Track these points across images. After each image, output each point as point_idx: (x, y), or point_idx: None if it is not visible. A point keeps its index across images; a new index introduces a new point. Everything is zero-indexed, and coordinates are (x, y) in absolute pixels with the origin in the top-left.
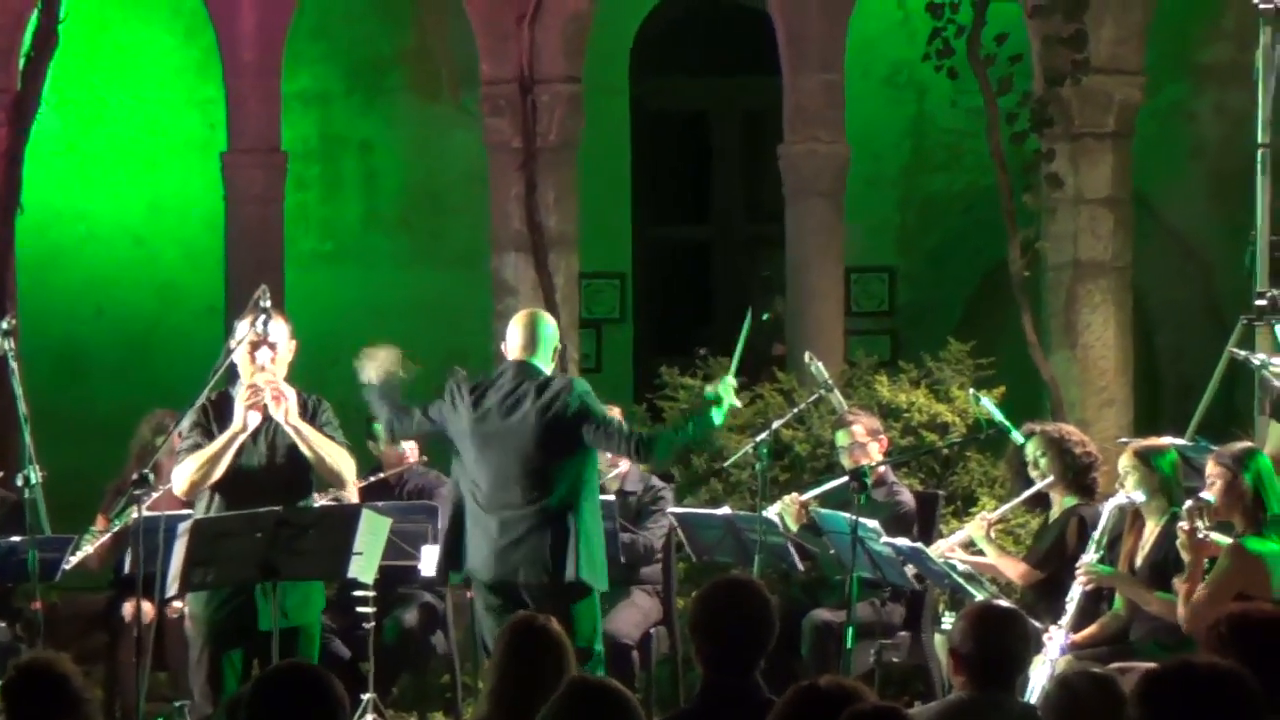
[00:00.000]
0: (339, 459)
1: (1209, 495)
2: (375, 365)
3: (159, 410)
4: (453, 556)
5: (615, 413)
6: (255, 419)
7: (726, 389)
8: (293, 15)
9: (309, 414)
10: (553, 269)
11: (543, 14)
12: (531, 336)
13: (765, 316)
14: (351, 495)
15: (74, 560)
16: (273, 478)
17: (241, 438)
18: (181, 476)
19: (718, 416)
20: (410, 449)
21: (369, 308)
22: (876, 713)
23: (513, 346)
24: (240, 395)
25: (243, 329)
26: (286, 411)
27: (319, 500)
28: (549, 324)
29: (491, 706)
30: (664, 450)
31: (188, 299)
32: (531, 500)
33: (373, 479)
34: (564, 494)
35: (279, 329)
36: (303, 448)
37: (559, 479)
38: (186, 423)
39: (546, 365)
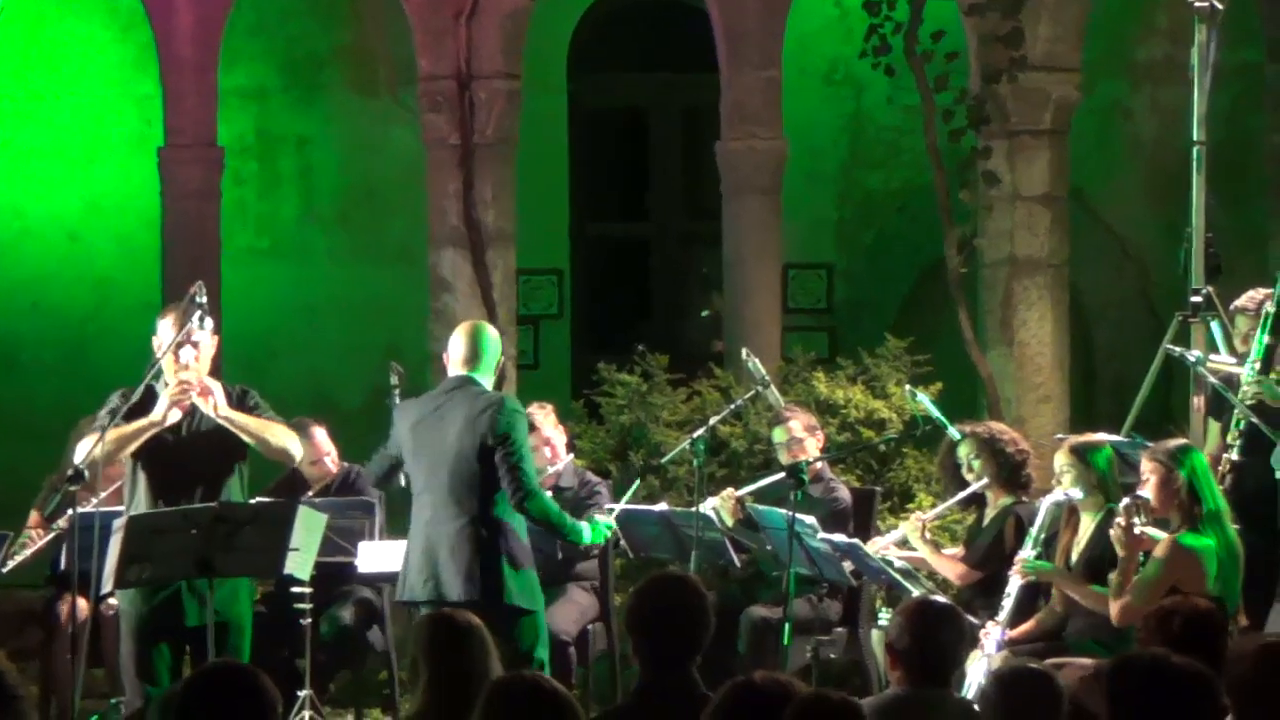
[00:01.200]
0: (281, 435)
1: (1145, 493)
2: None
3: (100, 411)
4: (403, 580)
5: (547, 419)
6: (176, 416)
7: (600, 535)
8: (230, 11)
9: (236, 402)
10: (490, 265)
11: (480, 10)
12: (474, 350)
13: (704, 313)
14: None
15: (10, 565)
16: (199, 467)
17: (156, 429)
18: (85, 447)
19: (586, 536)
20: (333, 461)
21: (306, 304)
22: (836, 705)
23: (455, 359)
24: (167, 391)
25: (165, 328)
26: (215, 405)
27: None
28: (492, 336)
29: (424, 702)
30: (538, 515)
31: (124, 295)
32: (459, 516)
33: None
34: (493, 509)
35: (205, 326)
36: (240, 435)
37: (488, 494)
38: (105, 408)
39: (487, 379)
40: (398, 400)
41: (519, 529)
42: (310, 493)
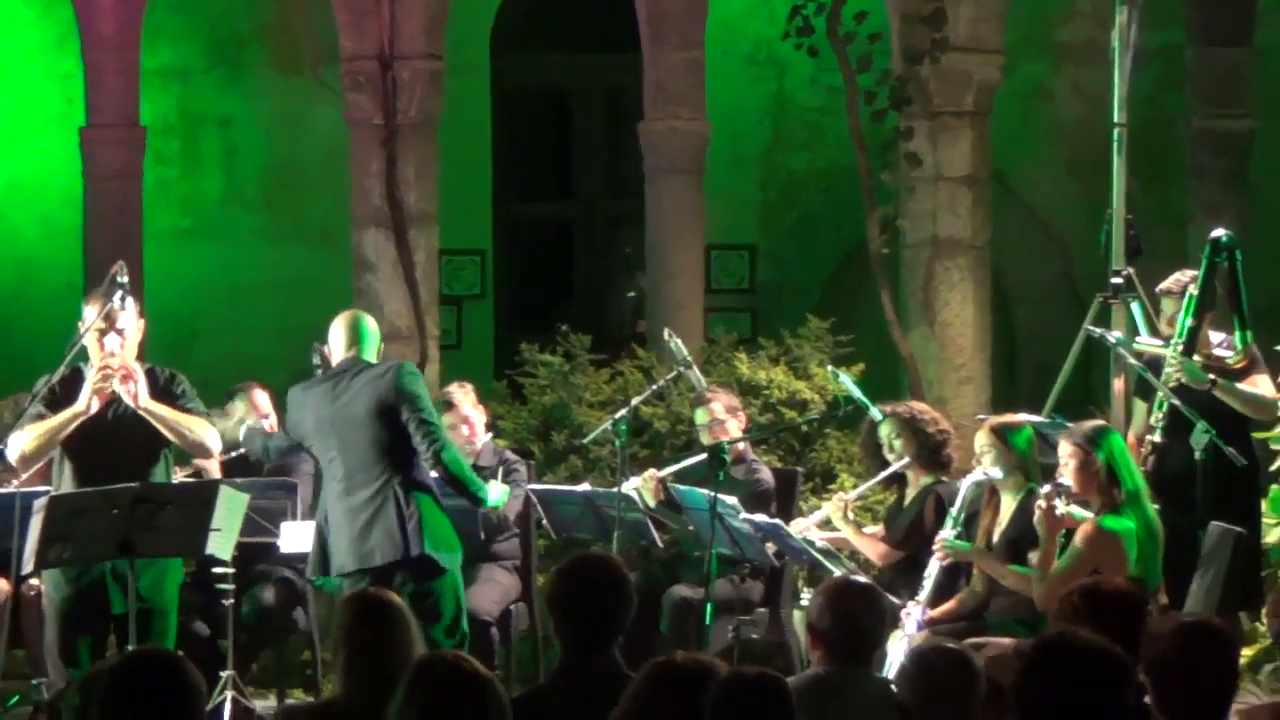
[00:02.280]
0: (199, 430)
1: (1064, 477)
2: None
3: (20, 394)
4: (322, 560)
5: (466, 397)
6: (98, 404)
7: (501, 500)
8: None
9: (162, 388)
10: (413, 245)
11: None
12: (355, 335)
13: (629, 294)
14: (214, 469)
15: None
16: (125, 450)
17: (81, 419)
18: (17, 446)
19: (490, 497)
20: (271, 426)
21: (229, 284)
22: (759, 679)
23: (338, 346)
24: (90, 379)
25: (90, 312)
26: (136, 395)
27: (178, 475)
28: (370, 323)
29: (347, 683)
30: (453, 469)
31: (46, 275)
32: (374, 479)
33: (234, 454)
34: (404, 472)
35: (129, 313)
36: (159, 428)
37: (396, 456)
38: (34, 400)
39: (372, 360)
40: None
41: (433, 494)
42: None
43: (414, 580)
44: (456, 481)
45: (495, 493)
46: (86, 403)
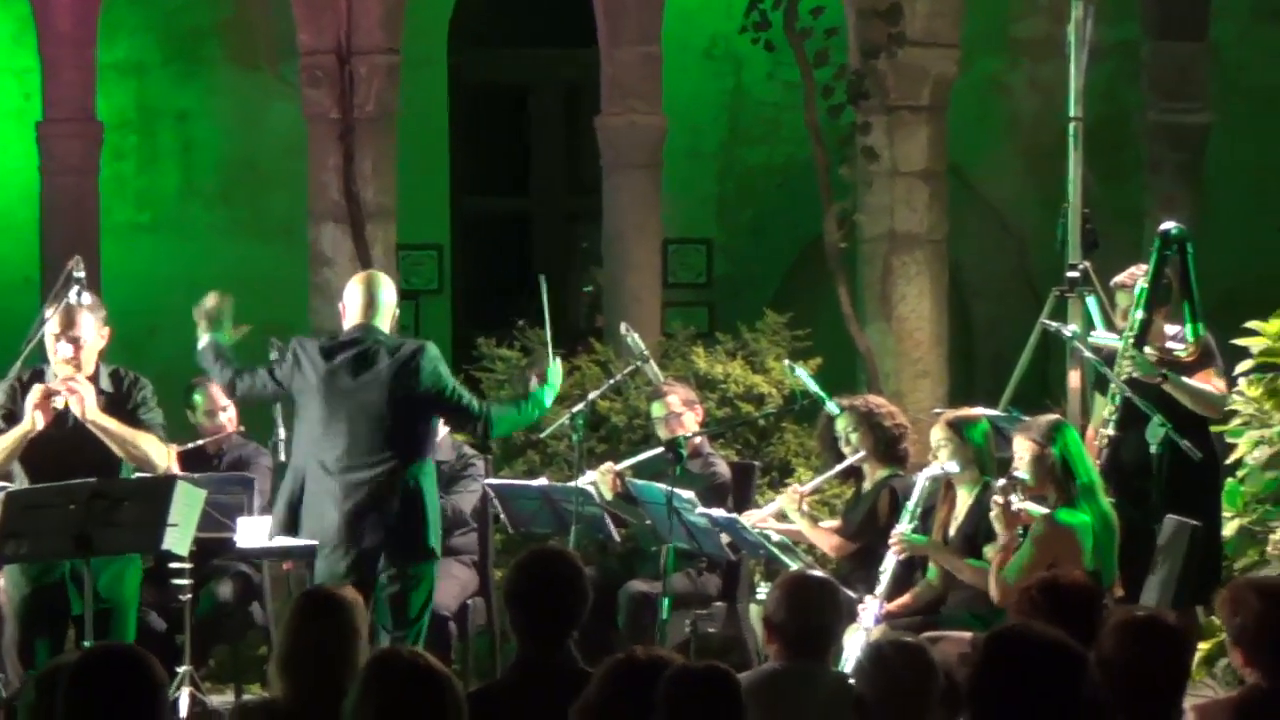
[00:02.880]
0: (147, 447)
1: (1020, 471)
2: (204, 316)
3: None
4: (291, 524)
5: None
6: (43, 421)
7: (555, 371)
8: None
9: (124, 392)
10: (370, 240)
11: None
12: (371, 299)
13: (587, 289)
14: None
15: None
16: (82, 455)
17: (29, 436)
18: None
19: (548, 397)
20: (229, 419)
21: (186, 279)
22: (706, 673)
23: (353, 310)
24: (31, 396)
25: (49, 314)
26: (84, 409)
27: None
28: (387, 287)
29: (286, 681)
30: (503, 430)
31: (2, 270)
32: (380, 463)
33: (190, 445)
34: (412, 458)
35: (88, 319)
36: (107, 442)
37: (407, 442)
38: None
39: (386, 327)
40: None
41: (431, 478)
42: (201, 441)
43: (400, 566)
44: (522, 426)
45: (549, 396)
46: (31, 422)
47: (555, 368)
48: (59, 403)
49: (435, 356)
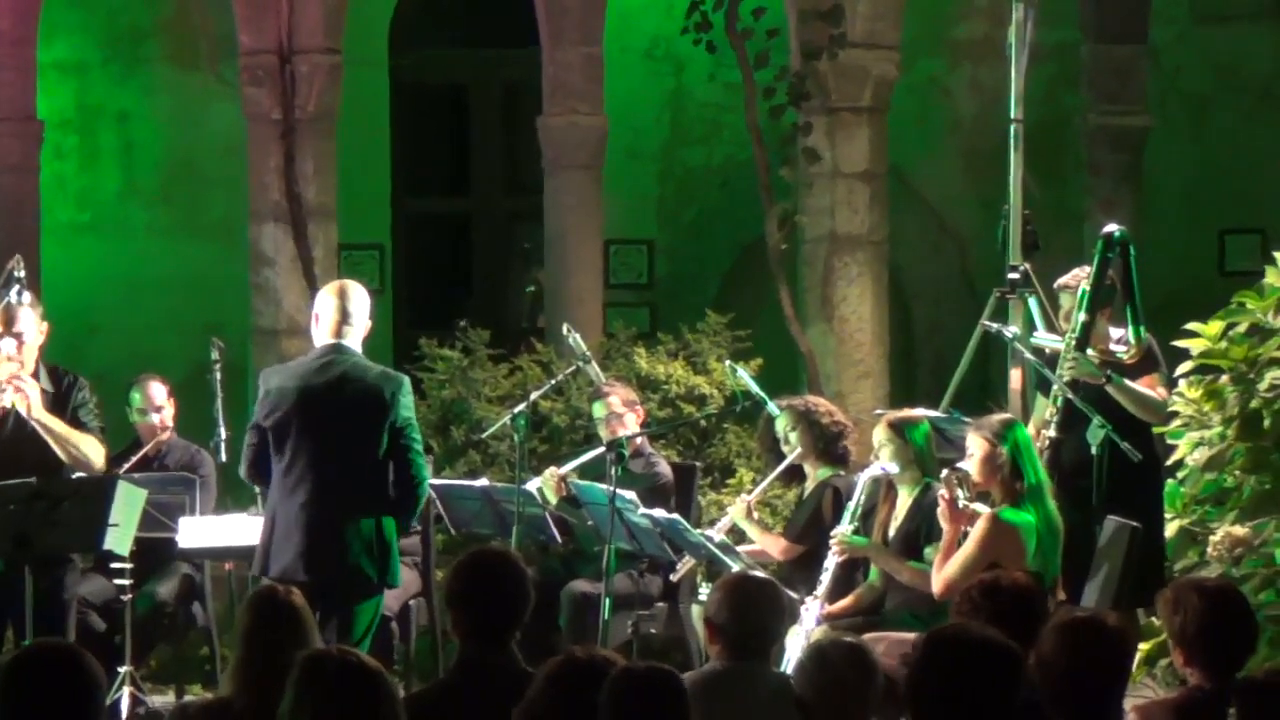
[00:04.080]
0: (86, 448)
1: (967, 466)
2: None
3: None
4: (266, 557)
5: None
6: None
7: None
8: None
9: (63, 392)
10: (311, 240)
11: None
12: (345, 315)
13: (529, 289)
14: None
15: None
16: (23, 453)
17: None
18: None
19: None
20: (163, 419)
21: (127, 279)
22: (649, 674)
23: (325, 325)
24: None
25: None
26: (29, 407)
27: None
28: (361, 300)
29: (237, 683)
30: (419, 498)
31: None
32: (350, 497)
33: (134, 459)
34: (380, 490)
35: (28, 315)
36: (48, 441)
37: (378, 475)
38: None
39: (358, 346)
40: (219, 375)
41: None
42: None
43: (352, 598)
44: (411, 499)
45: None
46: None
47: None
48: (5, 400)
49: (410, 393)
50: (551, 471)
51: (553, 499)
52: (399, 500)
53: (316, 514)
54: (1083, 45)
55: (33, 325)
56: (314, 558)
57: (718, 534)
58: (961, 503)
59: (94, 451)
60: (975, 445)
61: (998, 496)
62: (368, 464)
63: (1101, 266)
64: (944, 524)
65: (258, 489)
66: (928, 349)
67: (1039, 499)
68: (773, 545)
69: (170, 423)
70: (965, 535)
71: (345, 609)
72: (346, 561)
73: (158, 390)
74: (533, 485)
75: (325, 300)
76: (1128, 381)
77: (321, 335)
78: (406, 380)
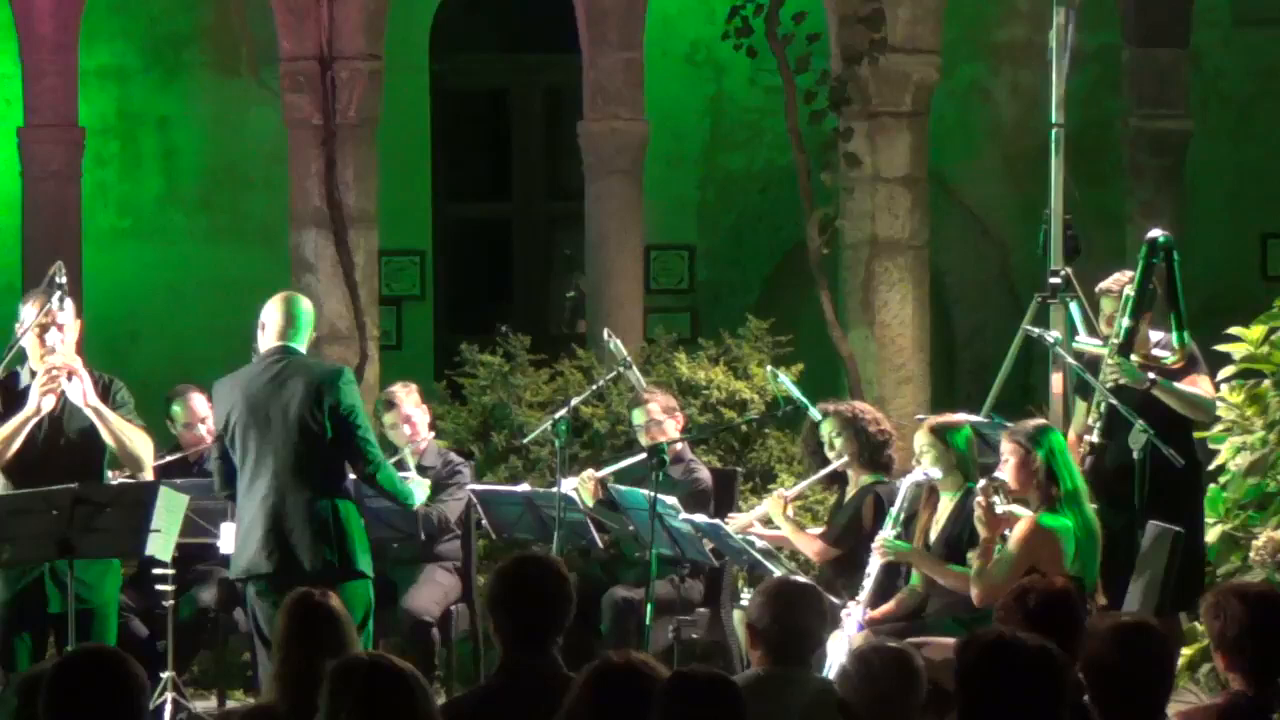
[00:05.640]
0: (138, 442)
1: (1003, 474)
2: None
3: None
4: (237, 558)
5: (408, 397)
6: (50, 403)
7: (425, 494)
8: None
9: (103, 394)
10: (352, 246)
11: None
12: (290, 319)
13: (569, 295)
14: (149, 476)
15: None
16: (62, 459)
17: (34, 421)
18: None
19: (417, 498)
20: (208, 429)
21: (167, 285)
22: (706, 678)
23: (271, 329)
24: (38, 380)
25: (28, 311)
26: (85, 393)
27: (116, 477)
28: (306, 307)
29: (280, 689)
30: (386, 486)
31: None
32: (303, 483)
33: (170, 458)
34: (334, 479)
35: (68, 308)
36: (102, 430)
37: (328, 463)
38: None
39: (303, 348)
40: None
41: (351, 502)
42: (182, 453)
43: (331, 587)
44: (387, 494)
45: (419, 493)
46: (37, 404)
47: (425, 492)
48: (60, 383)
49: (351, 381)
50: (589, 473)
51: (588, 500)
52: (383, 495)
53: (270, 507)
54: (1124, 49)
55: (70, 320)
56: (272, 549)
57: (757, 526)
58: (999, 508)
59: (144, 445)
60: (1009, 451)
61: (1035, 502)
62: (315, 453)
63: (1146, 272)
64: (981, 530)
65: None
66: (969, 354)
67: (1076, 503)
68: (808, 545)
69: (212, 433)
70: (1003, 540)
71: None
72: (303, 549)
73: (199, 402)
74: (568, 486)
75: (271, 308)
76: (1173, 383)
77: (268, 340)
78: (347, 369)
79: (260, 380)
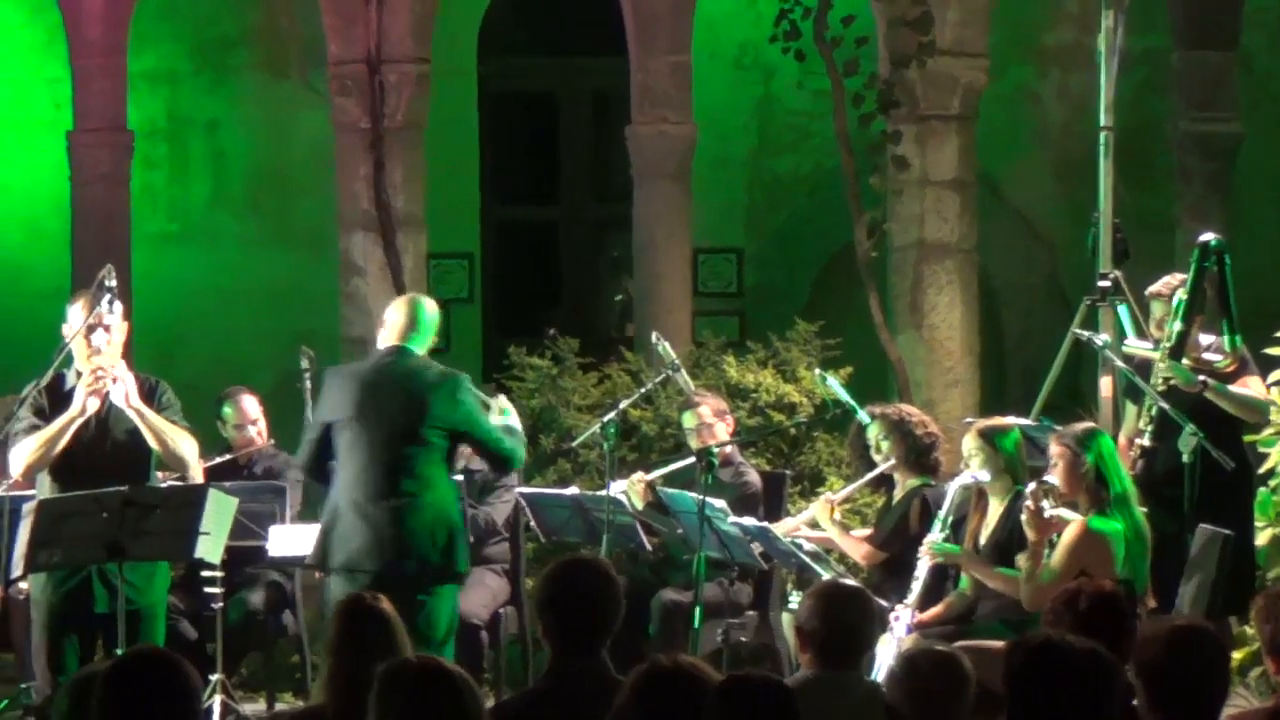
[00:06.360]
0: (181, 443)
1: (1052, 477)
2: None
3: (8, 396)
4: (325, 550)
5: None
6: (95, 404)
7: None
8: None
9: (148, 396)
10: (400, 249)
11: None
12: (412, 320)
13: (617, 298)
14: (196, 477)
15: None
16: (109, 461)
17: (79, 421)
18: (19, 458)
19: (519, 447)
20: (259, 432)
21: (216, 288)
22: (762, 683)
23: (391, 329)
24: (83, 381)
25: (76, 313)
26: (127, 395)
27: (165, 479)
28: (429, 311)
29: (329, 692)
30: (519, 465)
31: (33, 280)
32: (411, 483)
33: (220, 460)
34: (440, 480)
35: (117, 309)
36: (145, 431)
37: (437, 465)
38: (23, 406)
39: (422, 350)
40: (309, 384)
41: (455, 499)
42: (232, 454)
43: (426, 588)
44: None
45: (515, 422)
46: (82, 405)
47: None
48: (106, 384)
49: (468, 388)
50: (638, 476)
51: (638, 503)
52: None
53: (376, 505)
54: (1173, 51)
55: (116, 322)
56: (377, 547)
57: (804, 529)
58: (1047, 512)
59: (188, 446)
60: (1058, 455)
61: (1084, 505)
62: (422, 455)
63: (1198, 276)
64: (1029, 533)
65: None
66: (1018, 357)
67: (1125, 506)
68: (855, 549)
69: (265, 434)
70: (1052, 544)
71: (416, 597)
72: (410, 549)
73: (250, 403)
74: (617, 489)
75: (395, 307)
76: (1226, 385)
77: (387, 338)
78: (463, 377)
79: (375, 377)
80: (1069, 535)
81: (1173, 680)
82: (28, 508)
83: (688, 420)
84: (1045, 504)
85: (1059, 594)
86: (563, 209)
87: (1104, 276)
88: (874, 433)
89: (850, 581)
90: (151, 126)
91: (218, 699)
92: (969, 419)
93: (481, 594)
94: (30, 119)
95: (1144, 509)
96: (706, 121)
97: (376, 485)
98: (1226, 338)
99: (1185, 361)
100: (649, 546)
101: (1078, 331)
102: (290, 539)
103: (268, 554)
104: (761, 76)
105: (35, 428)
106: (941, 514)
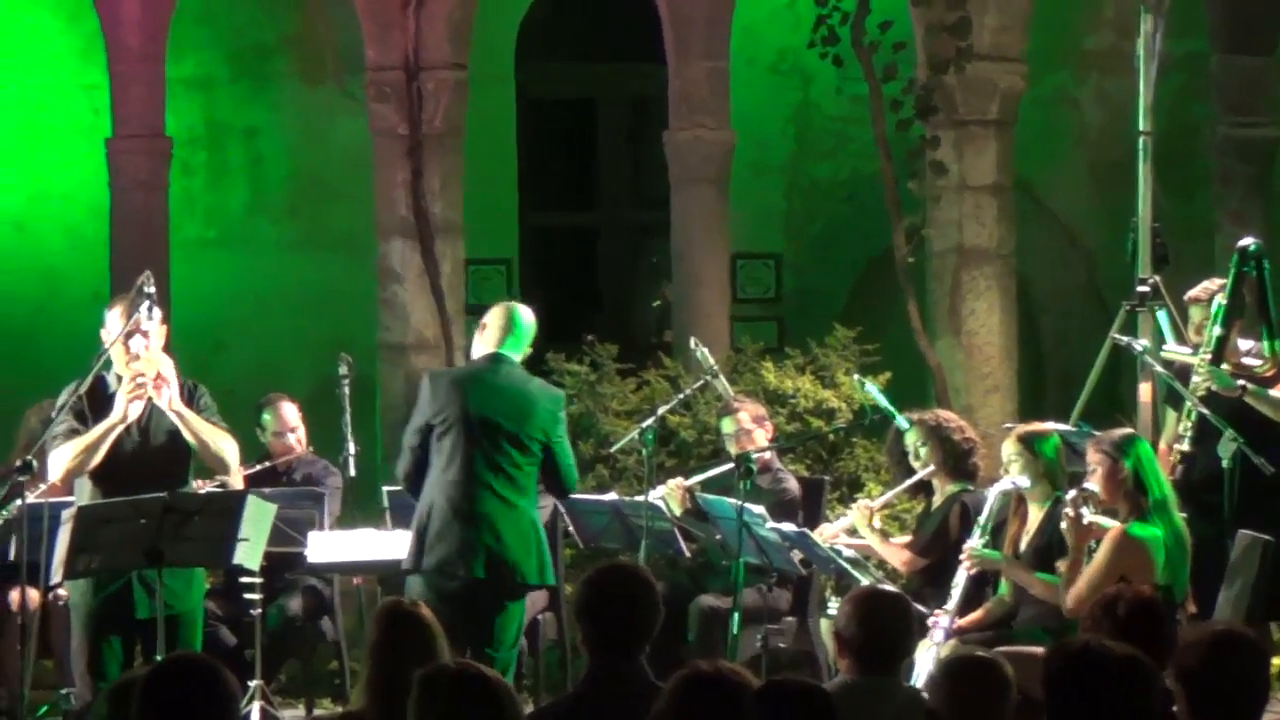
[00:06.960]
0: (222, 444)
1: (1092, 484)
2: None
3: (46, 401)
4: (420, 553)
5: None
6: (137, 409)
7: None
8: (177, 0)
9: (188, 399)
10: (439, 255)
11: (427, 0)
12: (509, 327)
13: (655, 303)
14: (236, 481)
15: None
16: (149, 466)
17: (120, 427)
18: (59, 463)
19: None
20: (299, 439)
21: (254, 294)
22: (801, 688)
23: (490, 335)
24: (124, 386)
25: (114, 319)
26: (170, 399)
27: (202, 486)
28: (525, 319)
29: (367, 698)
30: (575, 487)
31: (72, 286)
32: (515, 495)
33: (260, 467)
34: (534, 490)
35: (156, 314)
36: (186, 434)
37: (530, 474)
38: (62, 411)
39: (518, 358)
40: (347, 390)
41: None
42: (271, 462)
43: (516, 595)
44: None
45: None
46: (124, 411)
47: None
48: (147, 389)
49: (563, 406)
50: (676, 482)
51: (676, 509)
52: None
53: (474, 511)
54: (1212, 56)
55: (155, 324)
56: (472, 552)
57: (842, 536)
58: (1087, 518)
59: (230, 450)
60: (1096, 460)
61: (1124, 511)
62: (520, 466)
63: (1238, 280)
64: (1068, 539)
65: (386, 504)
66: (1056, 362)
67: (1165, 512)
68: (894, 555)
69: (304, 441)
70: (1091, 550)
71: (499, 605)
72: (506, 557)
73: (290, 411)
74: (655, 495)
75: (495, 313)
76: (1266, 390)
77: (485, 344)
78: (563, 396)
79: (478, 385)
80: (1108, 541)
81: (1212, 686)
82: (67, 514)
83: (727, 426)
84: (1085, 510)
85: (1098, 599)
86: (601, 215)
87: (1143, 281)
88: (912, 439)
89: (889, 587)
90: (190, 133)
91: (257, 705)
92: (1008, 425)
93: None
94: (69, 125)
95: (1183, 514)
96: (745, 127)
97: (477, 489)
98: (1266, 343)
99: (1224, 366)
100: (687, 552)
101: (1117, 337)
102: (329, 546)
103: (306, 560)
104: (800, 82)
105: (75, 432)
106: (982, 520)
